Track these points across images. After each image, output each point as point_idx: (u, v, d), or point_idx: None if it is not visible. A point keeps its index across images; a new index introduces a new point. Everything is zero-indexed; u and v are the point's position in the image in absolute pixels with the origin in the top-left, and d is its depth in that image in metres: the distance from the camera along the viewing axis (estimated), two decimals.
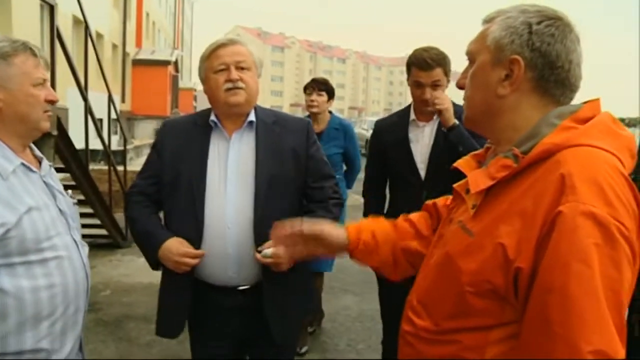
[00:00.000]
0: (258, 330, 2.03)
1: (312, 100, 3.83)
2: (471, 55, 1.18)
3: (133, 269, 5.51)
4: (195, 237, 1.93)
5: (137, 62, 21.66)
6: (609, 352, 0.89)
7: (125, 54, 19.74)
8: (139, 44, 24.02)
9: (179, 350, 3.62)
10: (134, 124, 20.50)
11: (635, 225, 0.97)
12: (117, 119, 7.27)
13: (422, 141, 2.66)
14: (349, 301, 4.86)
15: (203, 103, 3.68)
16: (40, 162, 1.65)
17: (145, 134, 18.93)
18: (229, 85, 1.93)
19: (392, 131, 2.77)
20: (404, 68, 2.74)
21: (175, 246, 1.92)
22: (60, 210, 1.62)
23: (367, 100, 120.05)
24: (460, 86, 1.23)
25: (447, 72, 2.56)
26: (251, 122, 2.02)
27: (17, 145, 1.56)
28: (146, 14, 25.97)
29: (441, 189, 1.69)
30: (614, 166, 1.00)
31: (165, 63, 23.70)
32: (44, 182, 1.61)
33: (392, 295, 2.71)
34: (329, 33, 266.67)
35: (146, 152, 17.17)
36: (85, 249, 1.70)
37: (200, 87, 3.68)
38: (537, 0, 1.16)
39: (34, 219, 1.49)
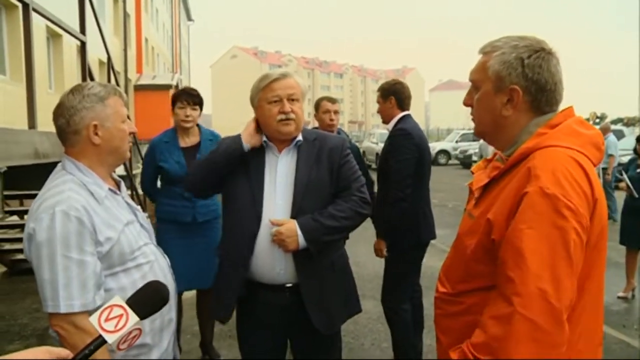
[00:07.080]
0: (302, 324, 2.21)
1: (187, 116, 3.64)
2: (475, 83, 1.48)
3: None
4: (254, 231, 2.17)
5: (139, 88, 21.94)
6: (547, 290, 1.19)
7: (127, 80, 20.05)
8: (139, 69, 24.35)
9: None
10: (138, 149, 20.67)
11: (585, 202, 1.27)
12: (135, 143, 7.44)
13: None
14: (369, 305, 4.99)
15: (203, 124, 3.79)
16: (118, 185, 1.85)
17: None
18: (282, 116, 2.19)
19: None
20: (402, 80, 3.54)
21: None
22: (140, 224, 1.84)
23: (367, 113, 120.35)
24: (466, 104, 1.53)
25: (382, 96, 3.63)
26: (298, 141, 2.27)
27: (104, 173, 1.78)
28: (145, 40, 26.36)
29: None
30: (570, 159, 1.30)
31: (167, 87, 23.94)
32: (126, 202, 1.83)
33: None
34: (324, 49, 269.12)
35: None
36: (166, 257, 1.90)
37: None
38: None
39: (127, 234, 1.72)
